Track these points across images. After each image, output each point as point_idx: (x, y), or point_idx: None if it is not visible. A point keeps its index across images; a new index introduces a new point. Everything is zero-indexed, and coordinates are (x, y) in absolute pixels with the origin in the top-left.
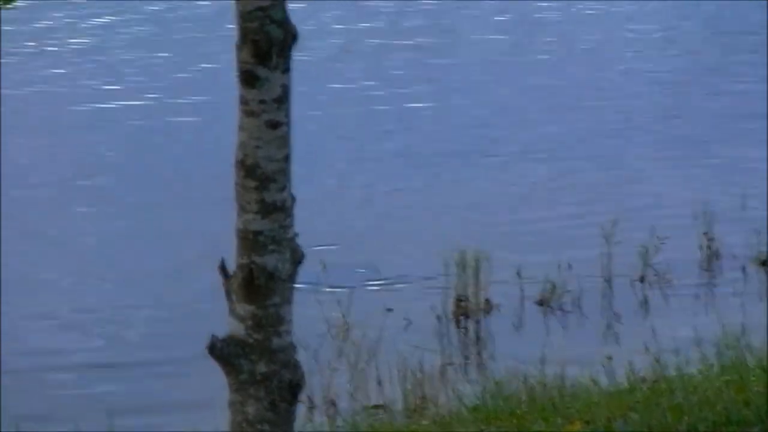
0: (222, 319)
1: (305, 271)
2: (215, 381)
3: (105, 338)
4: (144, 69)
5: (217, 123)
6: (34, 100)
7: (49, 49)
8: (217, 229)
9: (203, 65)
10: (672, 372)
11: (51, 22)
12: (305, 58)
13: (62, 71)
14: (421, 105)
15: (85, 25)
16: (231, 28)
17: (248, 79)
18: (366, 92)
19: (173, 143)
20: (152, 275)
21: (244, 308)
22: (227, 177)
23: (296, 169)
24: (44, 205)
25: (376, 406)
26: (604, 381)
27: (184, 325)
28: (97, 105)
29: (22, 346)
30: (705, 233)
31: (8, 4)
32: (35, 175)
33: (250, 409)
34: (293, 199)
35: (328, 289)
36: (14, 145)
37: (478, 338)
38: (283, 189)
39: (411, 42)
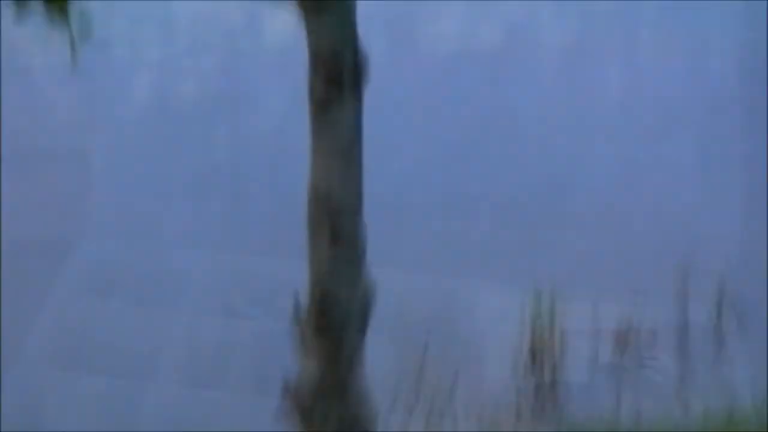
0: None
1: (380, 308)
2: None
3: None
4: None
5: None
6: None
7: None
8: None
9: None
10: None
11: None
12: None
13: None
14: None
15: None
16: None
17: (320, 107)
18: (435, 134)
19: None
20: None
21: (316, 346)
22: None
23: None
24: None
25: None
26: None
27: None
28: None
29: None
30: None
31: None
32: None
33: None
34: (365, 228)
35: (401, 325)
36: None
37: (553, 378)
38: (355, 219)
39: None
